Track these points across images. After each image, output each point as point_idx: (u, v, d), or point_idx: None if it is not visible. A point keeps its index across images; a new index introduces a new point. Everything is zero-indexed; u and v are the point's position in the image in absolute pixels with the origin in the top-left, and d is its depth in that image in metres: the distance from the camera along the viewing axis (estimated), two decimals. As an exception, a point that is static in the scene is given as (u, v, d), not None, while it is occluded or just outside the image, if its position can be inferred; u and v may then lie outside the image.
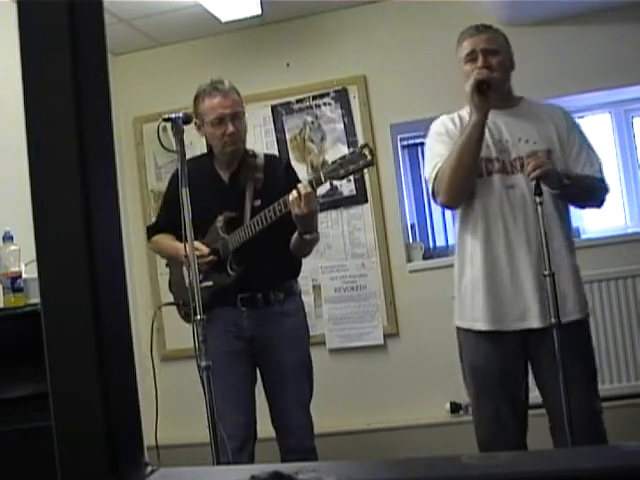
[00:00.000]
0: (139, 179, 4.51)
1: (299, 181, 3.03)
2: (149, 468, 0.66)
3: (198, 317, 2.32)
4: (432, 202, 2.82)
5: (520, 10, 3.87)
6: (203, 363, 2.30)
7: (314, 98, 4.27)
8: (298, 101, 4.30)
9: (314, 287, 4.24)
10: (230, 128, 2.81)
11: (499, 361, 2.55)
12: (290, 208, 2.62)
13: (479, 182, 2.55)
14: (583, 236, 4.10)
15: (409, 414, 4.05)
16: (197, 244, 2.81)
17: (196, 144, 4.30)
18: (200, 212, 2.75)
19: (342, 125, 4.24)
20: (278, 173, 2.94)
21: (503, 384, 2.55)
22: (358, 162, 2.54)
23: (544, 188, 2.44)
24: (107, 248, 0.65)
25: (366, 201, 4.20)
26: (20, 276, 2.75)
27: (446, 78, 4.14)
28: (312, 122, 4.28)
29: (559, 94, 4.02)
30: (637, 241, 3.97)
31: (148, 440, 2.86)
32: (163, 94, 4.32)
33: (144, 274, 4.45)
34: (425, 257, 4.24)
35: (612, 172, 4.25)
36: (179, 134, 2.40)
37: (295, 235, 2.78)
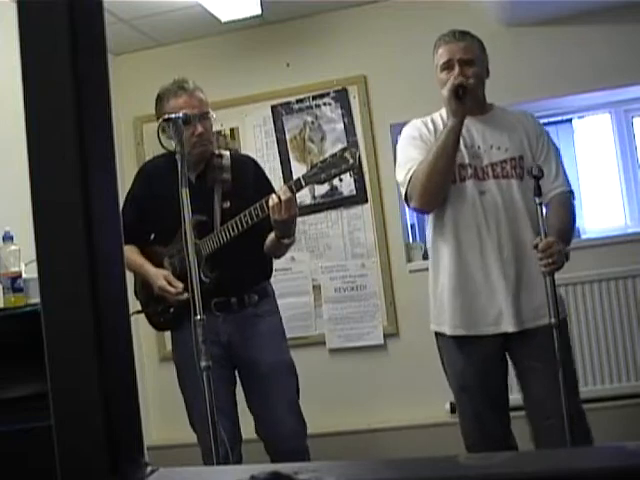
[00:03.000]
0: (139, 179, 4.50)
1: (268, 180, 2.97)
2: (149, 468, 0.66)
3: (198, 317, 2.31)
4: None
5: (520, 10, 3.87)
6: (203, 363, 2.30)
7: (314, 98, 4.27)
8: (298, 101, 4.30)
9: (314, 287, 4.24)
10: (199, 128, 2.72)
11: (476, 365, 2.57)
12: (269, 213, 2.56)
13: (452, 188, 2.55)
14: (583, 236, 4.10)
15: (409, 414, 4.05)
16: (170, 277, 2.73)
17: (196, 144, 4.31)
18: (166, 215, 2.62)
19: (342, 125, 4.24)
20: (246, 172, 2.87)
21: (482, 387, 2.57)
22: (340, 166, 2.48)
23: (515, 190, 2.50)
24: (107, 248, 0.65)
25: (366, 201, 4.20)
26: (20, 276, 2.75)
27: (446, 78, 4.15)
28: (312, 122, 4.28)
29: (559, 94, 4.02)
30: (637, 241, 3.97)
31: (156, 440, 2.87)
32: (163, 94, 4.31)
33: (144, 274, 4.44)
34: (425, 257, 4.22)
35: (612, 172, 4.26)
36: (179, 134, 2.39)
37: (271, 238, 2.72)
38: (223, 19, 4.01)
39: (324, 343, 4.18)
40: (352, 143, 4.17)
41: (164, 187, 2.74)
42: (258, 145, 4.31)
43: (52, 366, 0.62)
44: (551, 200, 2.58)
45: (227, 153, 2.95)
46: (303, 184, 2.55)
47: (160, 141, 2.63)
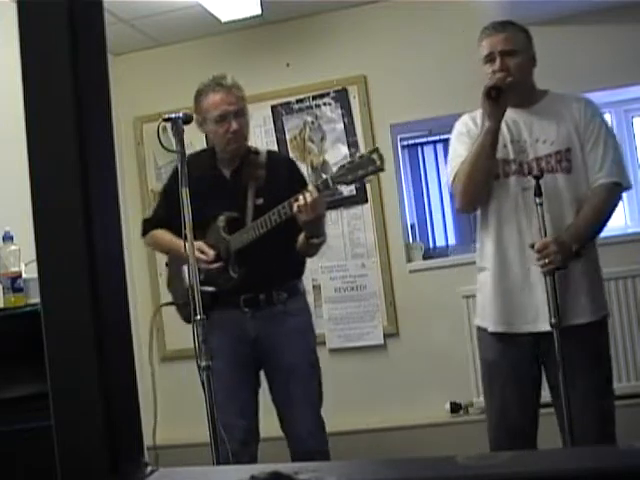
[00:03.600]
0: (139, 179, 4.51)
1: (303, 178, 2.98)
2: (149, 468, 0.66)
3: (198, 317, 2.31)
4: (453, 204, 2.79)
5: (520, 10, 3.86)
6: (203, 363, 2.30)
7: (314, 98, 4.27)
8: (298, 101, 4.30)
9: (314, 287, 4.24)
10: (234, 125, 2.75)
11: (510, 361, 2.55)
12: (296, 212, 2.58)
13: (496, 184, 2.53)
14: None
15: (409, 414, 4.05)
16: (201, 245, 2.71)
17: (196, 144, 4.30)
18: (201, 210, 2.60)
19: (342, 125, 4.24)
20: (281, 171, 2.88)
21: (514, 384, 2.55)
22: (367, 167, 2.48)
23: (561, 184, 2.44)
24: (107, 248, 0.65)
25: (366, 201, 4.21)
26: (20, 276, 2.75)
27: (446, 78, 4.15)
28: (312, 122, 4.28)
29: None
30: (637, 241, 3.97)
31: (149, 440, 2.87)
32: (163, 94, 4.31)
33: (144, 274, 4.45)
34: (425, 257, 4.24)
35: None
36: (179, 134, 2.39)
37: (301, 237, 2.74)
38: (223, 19, 4.02)
39: (324, 343, 4.18)
40: (352, 143, 4.18)
41: (200, 182, 2.70)
42: (258, 145, 4.30)
43: (52, 366, 0.62)
44: (591, 192, 2.51)
45: (264, 151, 2.98)
46: (330, 184, 2.55)
47: (160, 141, 2.63)
